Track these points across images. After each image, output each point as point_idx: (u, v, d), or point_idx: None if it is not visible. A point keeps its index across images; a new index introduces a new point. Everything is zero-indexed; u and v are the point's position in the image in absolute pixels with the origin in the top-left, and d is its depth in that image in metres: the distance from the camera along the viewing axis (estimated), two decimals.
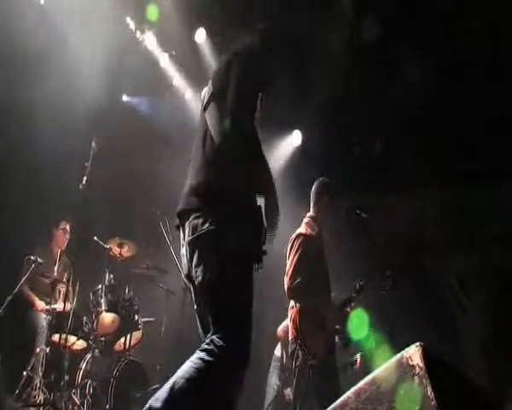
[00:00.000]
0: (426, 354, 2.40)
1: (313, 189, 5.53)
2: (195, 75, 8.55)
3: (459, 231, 8.40)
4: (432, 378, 2.34)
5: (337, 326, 5.22)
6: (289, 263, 5.22)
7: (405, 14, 7.04)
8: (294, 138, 9.27)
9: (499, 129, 7.47)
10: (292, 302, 5.24)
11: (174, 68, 8.46)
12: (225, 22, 7.75)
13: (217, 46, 8.28)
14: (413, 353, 2.42)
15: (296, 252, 5.20)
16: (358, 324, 5.33)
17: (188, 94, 8.77)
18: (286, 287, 5.16)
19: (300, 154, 9.16)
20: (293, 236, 5.34)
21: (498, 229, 8.03)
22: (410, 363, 2.41)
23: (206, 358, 2.71)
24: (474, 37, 6.95)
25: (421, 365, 2.38)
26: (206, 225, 2.87)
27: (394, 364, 2.50)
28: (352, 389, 2.60)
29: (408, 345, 2.51)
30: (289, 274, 5.15)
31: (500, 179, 7.94)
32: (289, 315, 5.29)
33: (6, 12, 6.30)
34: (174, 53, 8.27)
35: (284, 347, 6.80)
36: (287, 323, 6.81)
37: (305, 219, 5.46)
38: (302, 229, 5.38)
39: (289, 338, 5.27)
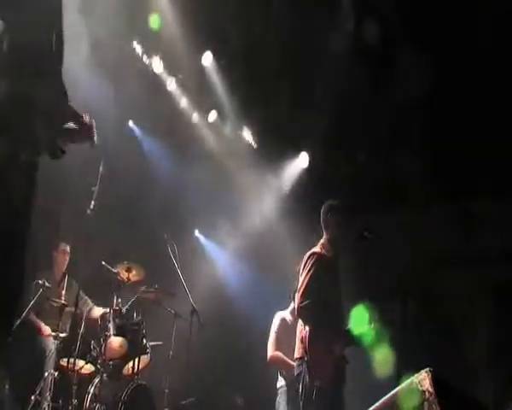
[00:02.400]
0: (435, 380, 2.39)
1: (321, 212, 5.50)
2: (202, 98, 8.62)
3: (467, 247, 8.39)
4: (441, 404, 2.33)
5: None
6: (301, 281, 5.15)
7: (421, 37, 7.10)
8: (301, 160, 9.30)
9: (504, 144, 7.45)
10: (300, 321, 5.22)
11: (181, 92, 8.51)
12: (231, 45, 7.83)
13: (223, 69, 8.35)
14: (423, 378, 2.42)
15: (309, 271, 5.13)
16: (359, 318, 5.30)
17: (195, 117, 8.82)
18: (296, 305, 5.12)
19: (307, 175, 9.19)
20: (307, 254, 5.27)
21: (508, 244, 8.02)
22: (420, 389, 2.41)
23: None
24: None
25: (430, 390, 2.37)
26: None
27: (404, 389, 2.49)
28: None
29: (413, 359, 2.51)
30: (300, 292, 5.09)
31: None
32: (298, 333, 5.25)
33: None
34: (181, 76, 8.32)
35: (284, 374, 6.66)
36: (272, 345, 6.76)
37: (322, 240, 5.41)
38: (317, 248, 5.32)
39: (295, 356, 5.23)
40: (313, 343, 4.97)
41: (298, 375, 5.10)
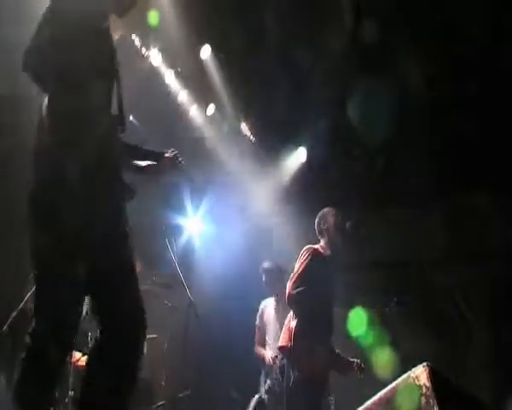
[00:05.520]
0: (433, 375, 2.40)
1: (316, 222, 5.55)
2: (201, 91, 8.60)
3: (462, 242, 8.40)
4: (438, 398, 2.34)
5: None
6: (295, 270, 5.22)
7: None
8: (299, 155, 9.31)
9: (502, 139, 7.46)
10: (290, 312, 5.23)
11: (179, 85, 8.47)
12: (230, 38, 7.81)
13: (222, 62, 8.32)
14: (420, 373, 2.42)
15: (304, 262, 5.20)
16: (357, 321, 5.33)
17: (193, 110, 8.80)
18: (287, 292, 5.15)
19: (306, 170, 9.19)
20: (305, 248, 5.34)
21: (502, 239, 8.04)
22: (417, 383, 2.41)
23: None
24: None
25: (428, 385, 2.38)
26: None
27: (401, 384, 2.50)
28: (360, 409, 2.61)
29: (411, 358, 2.52)
30: (293, 280, 5.14)
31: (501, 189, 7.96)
32: (286, 322, 5.27)
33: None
34: (179, 70, 8.29)
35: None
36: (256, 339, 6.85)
37: (320, 243, 5.48)
38: (315, 245, 5.40)
39: (279, 344, 5.24)
40: (300, 336, 5.01)
41: (281, 366, 5.12)
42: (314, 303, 5.04)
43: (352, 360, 5.33)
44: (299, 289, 5.05)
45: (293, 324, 5.07)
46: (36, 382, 2.79)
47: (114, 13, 3.03)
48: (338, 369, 5.34)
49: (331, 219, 5.47)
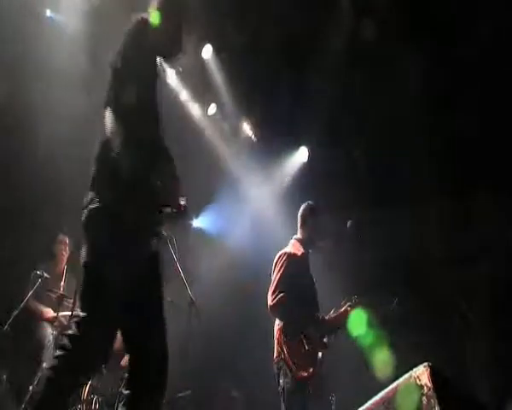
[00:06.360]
0: (434, 375, 2.41)
1: (299, 212, 5.59)
2: (202, 91, 8.61)
3: (462, 242, 8.40)
4: (440, 398, 2.35)
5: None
6: (272, 280, 5.23)
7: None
8: (301, 155, 9.31)
9: (502, 139, 7.47)
10: (277, 321, 5.23)
11: (181, 84, 8.48)
12: (231, 38, 7.82)
13: (223, 62, 8.33)
14: (421, 373, 2.43)
15: (279, 270, 5.22)
16: (357, 321, 5.33)
17: (195, 110, 8.80)
18: (268, 303, 5.15)
19: (307, 170, 9.19)
20: (278, 254, 5.37)
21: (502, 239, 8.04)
22: (418, 383, 2.42)
23: None
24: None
25: (429, 385, 2.39)
26: None
27: (402, 384, 2.51)
28: (361, 409, 2.62)
29: (411, 358, 2.52)
30: (271, 291, 5.16)
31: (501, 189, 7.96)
32: (275, 334, 5.25)
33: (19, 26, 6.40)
34: (181, 69, 8.30)
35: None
36: None
37: (292, 241, 5.52)
38: (287, 248, 5.43)
39: (274, 357, 5.22)
40: (290, 339, 5.01)
41: (277, 375, 5.09)
42: (297, 305, 5.07)
43: (342, 310, 5.37)
44: (278, 297, 5.07)
45: (280, 332, 5.07)
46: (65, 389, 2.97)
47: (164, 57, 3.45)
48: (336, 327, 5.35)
49: (313, 216, 5.51)
